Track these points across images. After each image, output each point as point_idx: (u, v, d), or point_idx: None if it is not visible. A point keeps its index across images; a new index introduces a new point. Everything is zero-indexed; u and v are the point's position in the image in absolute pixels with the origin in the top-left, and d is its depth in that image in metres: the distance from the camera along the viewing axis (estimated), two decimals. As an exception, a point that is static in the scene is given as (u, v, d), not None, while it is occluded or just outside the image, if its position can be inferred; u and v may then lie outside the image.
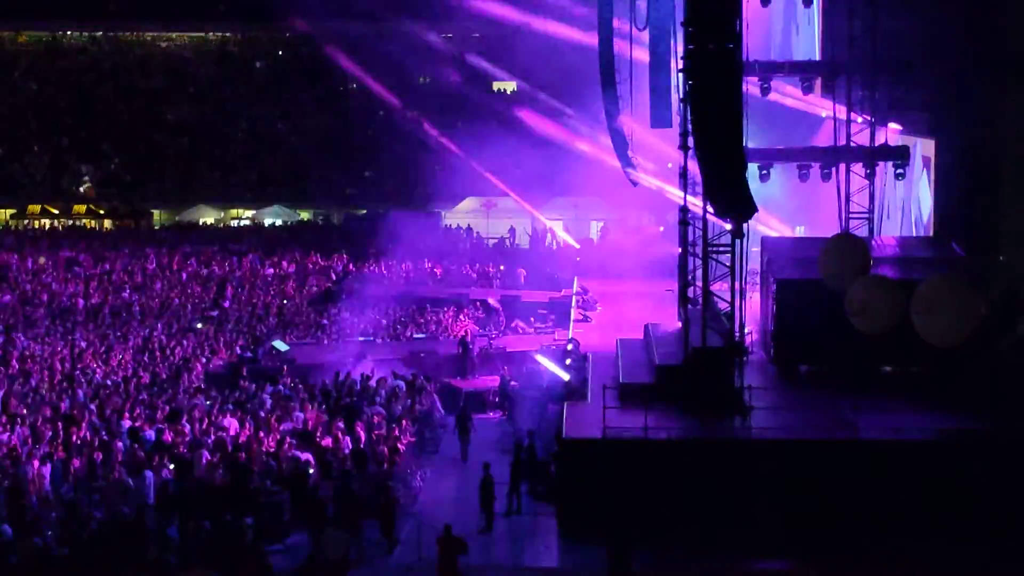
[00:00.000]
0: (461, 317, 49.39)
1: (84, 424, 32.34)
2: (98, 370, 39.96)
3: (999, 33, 35.31)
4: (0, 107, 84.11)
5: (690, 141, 30.71)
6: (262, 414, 33.86)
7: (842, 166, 37.53)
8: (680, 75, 32.94)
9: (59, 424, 32.13)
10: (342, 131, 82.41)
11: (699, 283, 31.84)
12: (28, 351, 43.01)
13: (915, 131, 40.10)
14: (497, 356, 42.78)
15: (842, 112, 37.65)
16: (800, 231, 47.96)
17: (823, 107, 41.58)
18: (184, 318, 49.48)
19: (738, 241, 29.39)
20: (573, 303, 46.89)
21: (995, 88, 35.37)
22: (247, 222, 77.88)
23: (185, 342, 44.64)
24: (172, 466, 29.22)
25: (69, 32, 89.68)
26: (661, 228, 37.79)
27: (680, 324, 33.83)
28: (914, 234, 40.29)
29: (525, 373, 39.32)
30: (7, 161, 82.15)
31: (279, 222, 76.70)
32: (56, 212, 77.36)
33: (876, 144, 37.73)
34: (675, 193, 37.54)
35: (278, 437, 31.52)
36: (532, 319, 48.66)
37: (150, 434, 31.39)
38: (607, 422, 28.04)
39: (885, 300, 28.21)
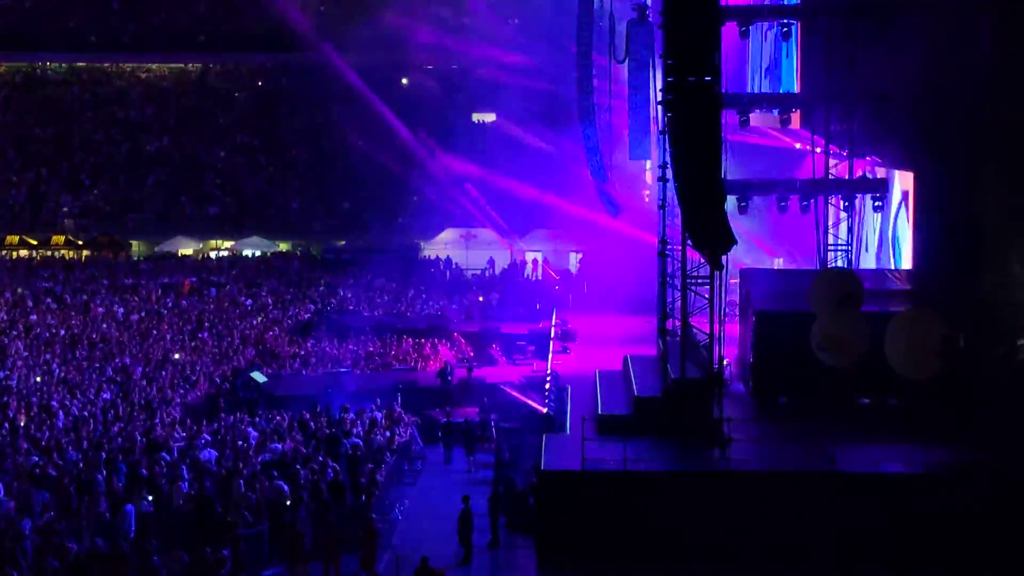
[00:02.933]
0: (440, 348, 49.29)
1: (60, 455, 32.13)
2: (75, 401, 39.70)
3: (977, 64, 35.47)
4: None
5: (669, 173, 30.78)
6: (241, 443, 33.69)
7: (821, 198, 37.64)
8: (659, 107, 33.08)
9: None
10: (321, 162, 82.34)
11: (678, 315, 31.89)
12: (5, 382, 42.71)
13: (893, 163, 40.24)
14: (477, 387, 42.68)
15: (820, 145, 37.75)
16: (779, 263, 48.11)
17: (801, 140, 41.75)
18: (162, 349, 49.22)
19: (717, 273, 29.46)
20: (552, 335, 46.86)
21: (973, 120, 35.49)
22: (226, 253, 77.65)
23: (163, 373, 44.43)
24: (150, 498, 29.05)
25: (48, 63, 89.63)
26: None
27: (659, 356, 33.83)
28: (892, 267, 40.38)
29: (503, 405, 39.25)
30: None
31: (258, 253, 76.51)
32: (35, 243, 76.99)
33: (854, 177, 37.87)
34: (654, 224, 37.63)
35: (256, 468, 31.36)
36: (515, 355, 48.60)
37: (125, 467, 31.18)
38: (586, 454, 27.99)
39: (859, 336, 28.33)
